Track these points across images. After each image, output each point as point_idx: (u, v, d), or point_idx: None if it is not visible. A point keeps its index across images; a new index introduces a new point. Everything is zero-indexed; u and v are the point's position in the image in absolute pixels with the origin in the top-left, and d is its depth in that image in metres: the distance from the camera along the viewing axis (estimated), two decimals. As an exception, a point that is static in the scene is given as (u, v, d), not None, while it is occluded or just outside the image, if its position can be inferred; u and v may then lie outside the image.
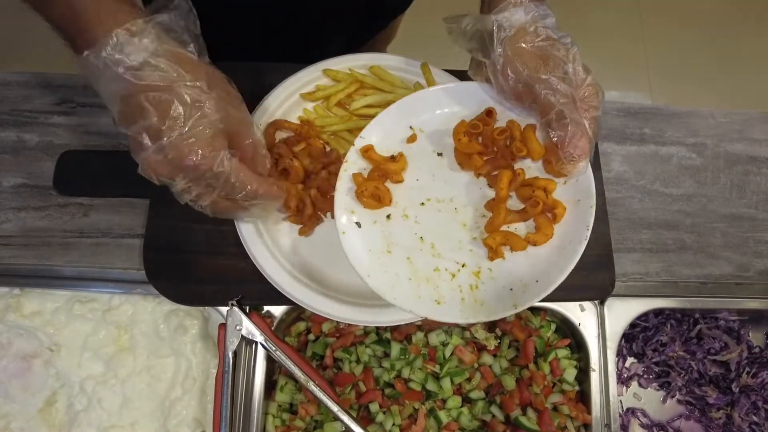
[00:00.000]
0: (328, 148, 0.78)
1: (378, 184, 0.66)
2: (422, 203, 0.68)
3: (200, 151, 0.53)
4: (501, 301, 0.63)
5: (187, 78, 0.52)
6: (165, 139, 0.51)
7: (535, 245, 0.64)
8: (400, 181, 0.68)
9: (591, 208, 0.63)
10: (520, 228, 0.67)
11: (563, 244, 0.64)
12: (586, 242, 0.63)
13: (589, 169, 0.64)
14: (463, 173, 0.69)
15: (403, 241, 0.66)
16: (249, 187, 0.58)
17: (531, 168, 0.68)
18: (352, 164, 0.68)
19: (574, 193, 0.65)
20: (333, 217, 0.75)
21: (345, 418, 0.72)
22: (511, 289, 0.64)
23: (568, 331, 0.83)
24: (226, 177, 0.56)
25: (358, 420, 0.73)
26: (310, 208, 0.73)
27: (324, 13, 0.93)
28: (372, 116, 0.79)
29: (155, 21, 0.51)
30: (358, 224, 0.66)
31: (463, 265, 0.65)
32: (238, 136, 0.58)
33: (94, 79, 0.51)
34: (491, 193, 0.68)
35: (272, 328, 0.77)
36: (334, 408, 0.72)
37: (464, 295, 0.64)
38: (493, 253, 0.64)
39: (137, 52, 0.49)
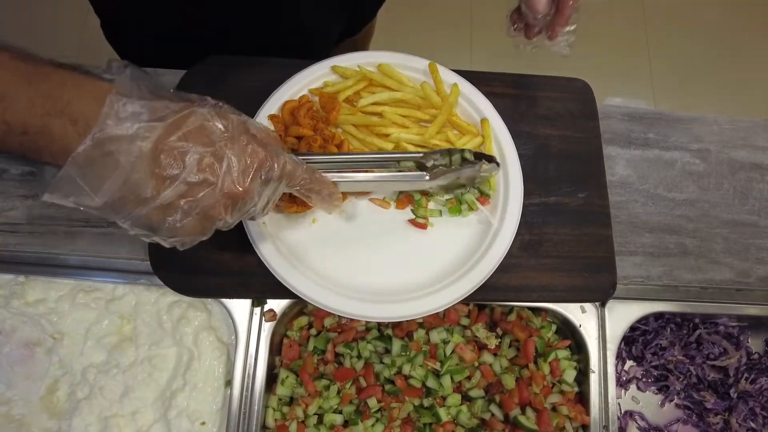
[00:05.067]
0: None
1: None
2: None
3: (260, 149, 0.51)
4: None
5: (193, 103, 0.49)
6: (229, 151, 0.48)
7: None
8: None
9: None
10: None
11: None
12: None
13: None
14: None
15: None
16: (300, 169, 0.58)
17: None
18: None
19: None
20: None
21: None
22: None
23: (569, 332, 0.84)
24: (285, 161, 0.55)
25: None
26: None
27: (317, 15, 0.94)
28: (379, 114, 0.80)
29: (129, 75, 0.47)
30: None
31: None
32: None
33: (102, 162, 0.44)
34: None
35: (275, 322, 0.78)
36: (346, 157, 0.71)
37: None
38: None
39: (141, 104, 0.46)
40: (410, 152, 0.75)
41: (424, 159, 0.73)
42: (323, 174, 0.64)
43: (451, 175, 0.74)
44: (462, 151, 0.74)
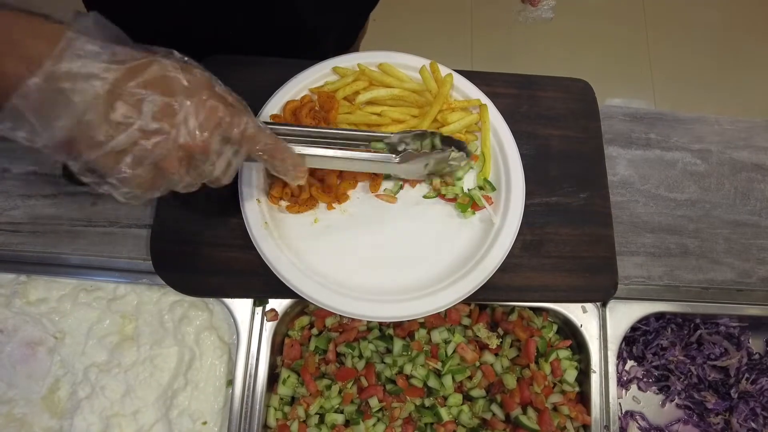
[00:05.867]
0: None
1: None
2: None
3: (221, 105, 0.50)
4: None
5: (158, 53, 0.48)
6: (188, 103, 0.47)
7: None
8: None
9: None
10: None
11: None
12: None
13: None
14: None
15: None
16: (263, 134, 0.56)
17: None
18: None
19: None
20: (329, 208, 0.77)
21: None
22: None
23: (570, 332, 0.84)
24: (247, 122, 0.53)
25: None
26: (307, 193, 0.75)
27: (315, 16, 0.95)
28: (378, 114, 0.80)
29: (93, 20, 0.46)
30: None
31: None
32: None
33: (54, 98, 0.43)
34: None
35: (276, 322, 0.78)
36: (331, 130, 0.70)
37: None
38: None
39: (102, 45, 0.44)
40: (381, 132, 0.74)
41: (395, 140, 0.72)
42: (289, 145, 0.62)
43: (421, 160, 0.73)
44: (434, 134, 0.73)
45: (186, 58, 0.50)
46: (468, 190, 0.78)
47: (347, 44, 1.14)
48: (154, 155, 0.47)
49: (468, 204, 0.77)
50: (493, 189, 0.79)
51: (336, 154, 0.68)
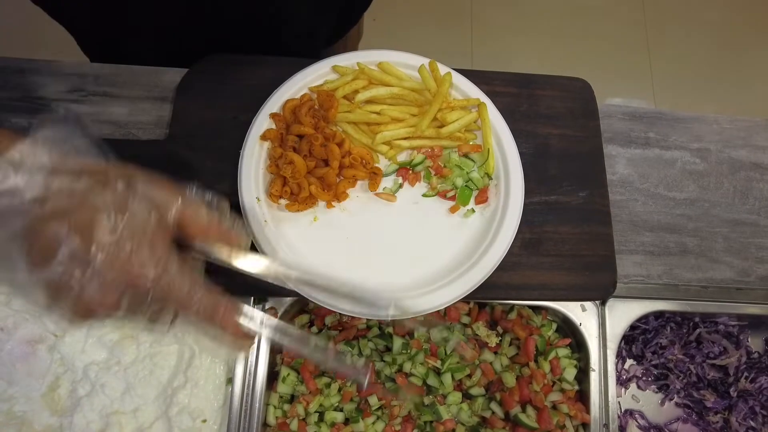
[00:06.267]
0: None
1: None
2: None
3: (136, 266, 0.43)
4: None
5: (97, 186, 0.44)
6: (100, 257, 0.42)
7: None
8: None
9: None
10: None
11: None
12: None
13: None
14: None
15: None
16: (200, 294, 0.48)
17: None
18: None
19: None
20: (328, 207, 0.77)
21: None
22: None
23: (569, 330, 0.84)
24: (171, 281, 0.45)
25: None
26: (307, 192, 0.75)
27: (315, 16, 0.95)
28: (377, 113, 0.80)
29: (39, 138, 0.43)
30: None
31: None
32: (183, 216, 0.49)
33: None
34: None
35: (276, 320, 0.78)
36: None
37: None
38: None
39: (32, 176, 0.42)
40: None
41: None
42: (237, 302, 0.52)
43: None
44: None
45: (138, 185, 0.46)
46: (470, 179, 0.79)
47: (335, 42, 1.14)
48: (60, 301, 0.43)
49: (470, 194, 0.78)
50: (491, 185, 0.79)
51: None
